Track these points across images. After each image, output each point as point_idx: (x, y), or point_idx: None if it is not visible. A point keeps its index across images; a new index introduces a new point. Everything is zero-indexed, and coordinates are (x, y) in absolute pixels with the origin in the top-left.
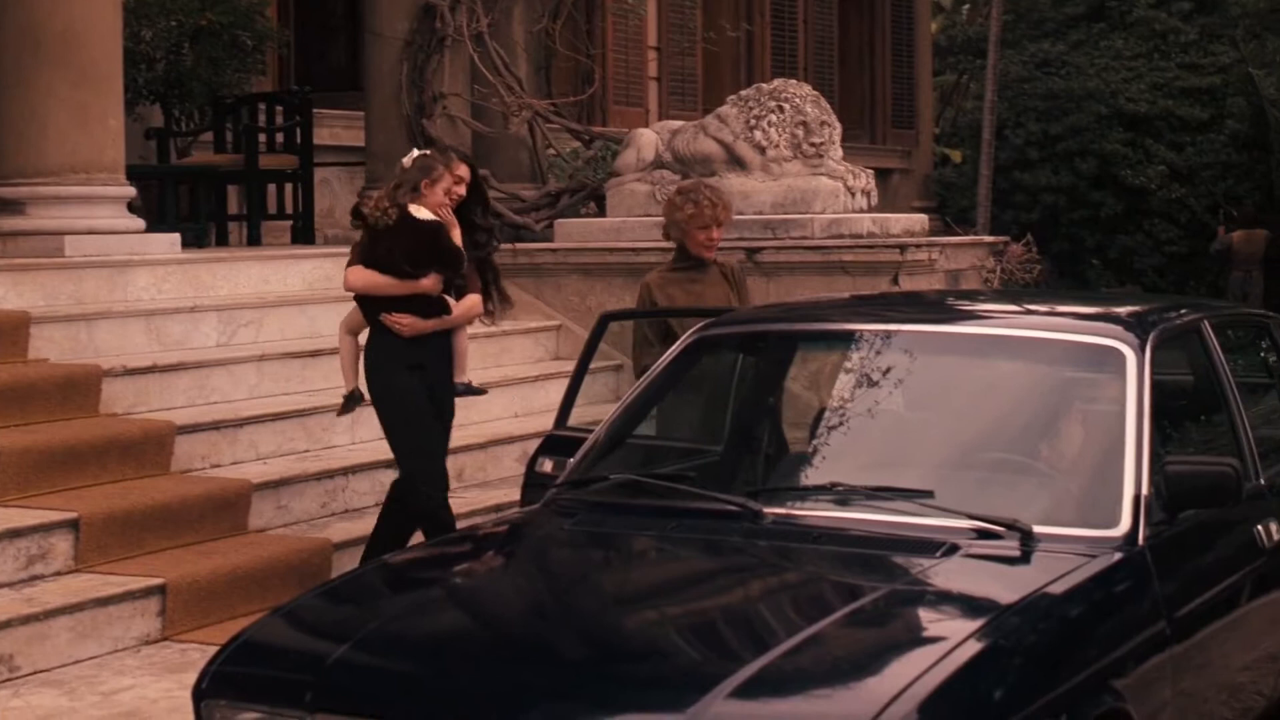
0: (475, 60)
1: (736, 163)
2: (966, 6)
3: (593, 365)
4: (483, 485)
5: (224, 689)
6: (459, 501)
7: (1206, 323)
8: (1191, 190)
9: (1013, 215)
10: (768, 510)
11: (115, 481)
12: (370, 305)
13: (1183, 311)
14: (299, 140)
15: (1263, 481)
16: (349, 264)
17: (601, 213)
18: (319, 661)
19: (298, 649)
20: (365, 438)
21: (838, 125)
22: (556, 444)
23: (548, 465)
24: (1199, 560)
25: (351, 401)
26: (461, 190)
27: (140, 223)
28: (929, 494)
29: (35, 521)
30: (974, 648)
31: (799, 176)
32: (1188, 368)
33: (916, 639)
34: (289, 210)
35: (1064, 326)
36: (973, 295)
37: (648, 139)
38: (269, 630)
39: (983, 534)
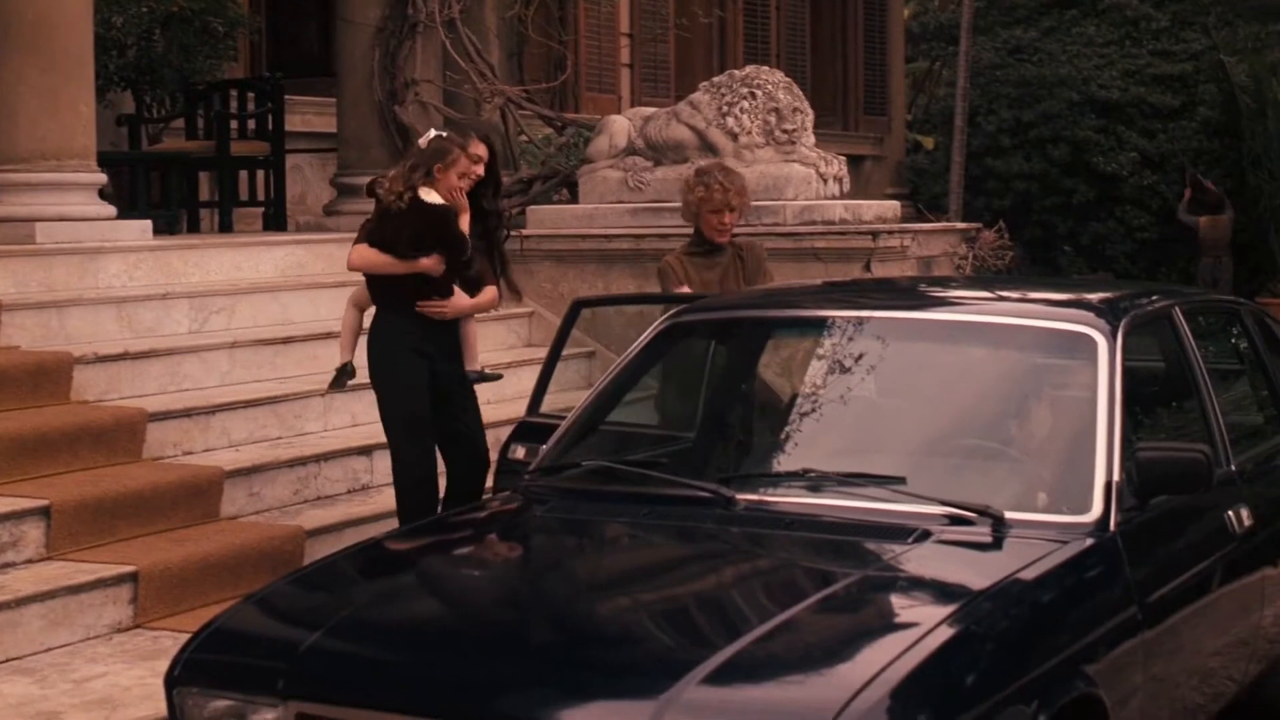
0: (447, 46)
1: (709, 149)
2: None
3: (565, 352)
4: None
5: (196, 676)
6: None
7: (1178, 309)
8: (1163, 177)
9: (985, 202)
10: (740, 496)
11: (87, 469)
12: (377, 285)
13: (1154, 298)
14: (271, 127)
15: (1233, 468)
16: (355, 241)
17: (574, 199)
18: (291, 649)
19: (270, 636)
20: (338, 425)
21: (810, 112)
22: (529, 431)
23: (520, 452)
24: (1170, 546)
25: (343, 376)
26: (480, 170)
27: (111, 209)
28: (901, 480)
29: (6, 509)
30: (946, 633)
31: (771, 163)
32: (1159, 354)
33: (889, 625)
34: (261, 197)
35: (1036, 313)
36: (945, 282)
37: (620, 125)
38: (241, 617)
39: (955, 520)
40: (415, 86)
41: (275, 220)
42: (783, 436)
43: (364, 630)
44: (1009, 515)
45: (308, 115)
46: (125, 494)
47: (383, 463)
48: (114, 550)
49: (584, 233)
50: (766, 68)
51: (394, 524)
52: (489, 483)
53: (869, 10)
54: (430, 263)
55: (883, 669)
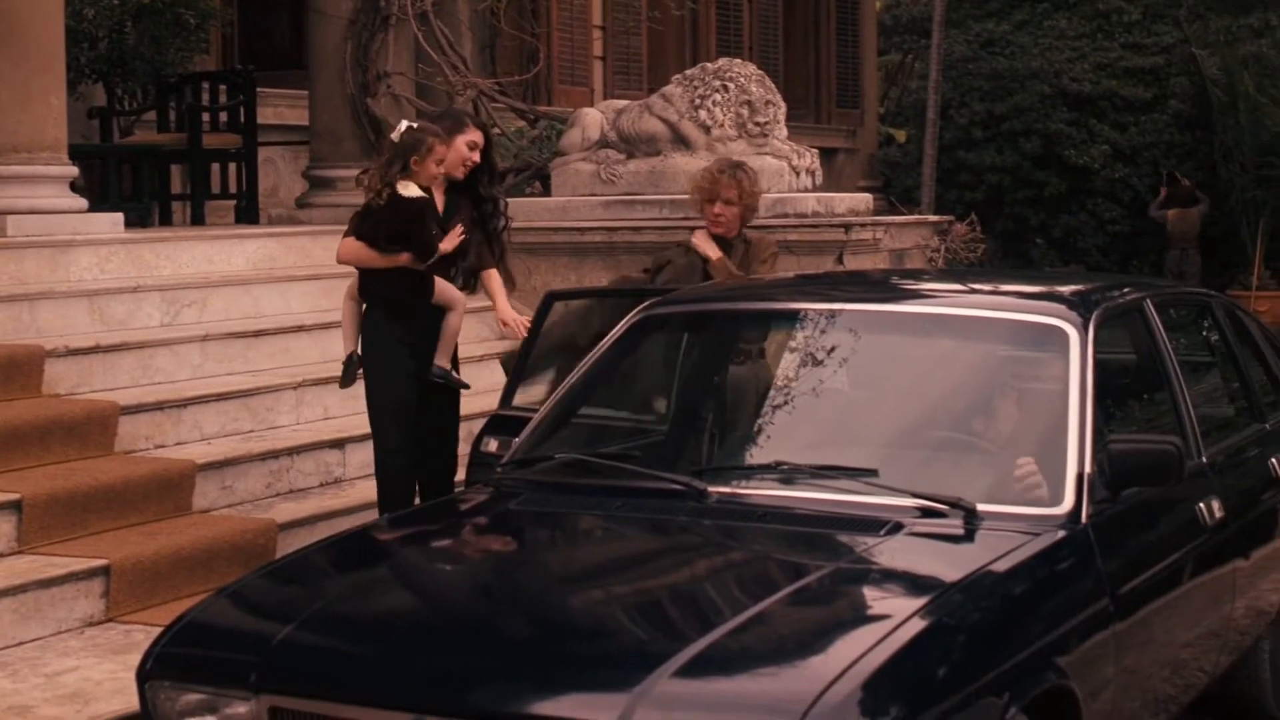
0: (420, 39)
1: (681, 142)
2: None
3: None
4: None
5: (168, 670)
6: None
7: (1149, 302)
8: (1135, 170)
9: (957, 195)
10: (713, 489)
11: (58, 462)
12: (365, 278)
13: (1126, 290)
14: (243, 119)
15: (1205, 460)
16: (344, 234)
17: (547, 192)
18: (264, 642)
19: (242, 629)
20: (309, 418)
21: (782, 105)
22: (502, 423)
23: (493, 445)
24: (1142, 538)
25: (350, 367)
26: (475, 157)
27: (83, 202)
28: (873, 473)
29: None
30: (918, 626)
31: (744, 156)
32: (1131, 346)
33: (861, 617)
34: (233, 190)
35: (1008, 305)
36: (917, 274)
37: (593, 118)
38: (213, 611)
39: (927, 512)
40: (388, 79)
41: (247, 213)
42: (755, 429)
43: (337, 623)
44: (981, 507)
45: (280, 108)
46: (97, 487)
47: (355, 456)
48: (86, 544)
49: (557, 225)
50: (739, 60)
51: (367, 517)
52: (460, 475)
53: (841, 3)
54: (409, 258)
55: (854, 661)
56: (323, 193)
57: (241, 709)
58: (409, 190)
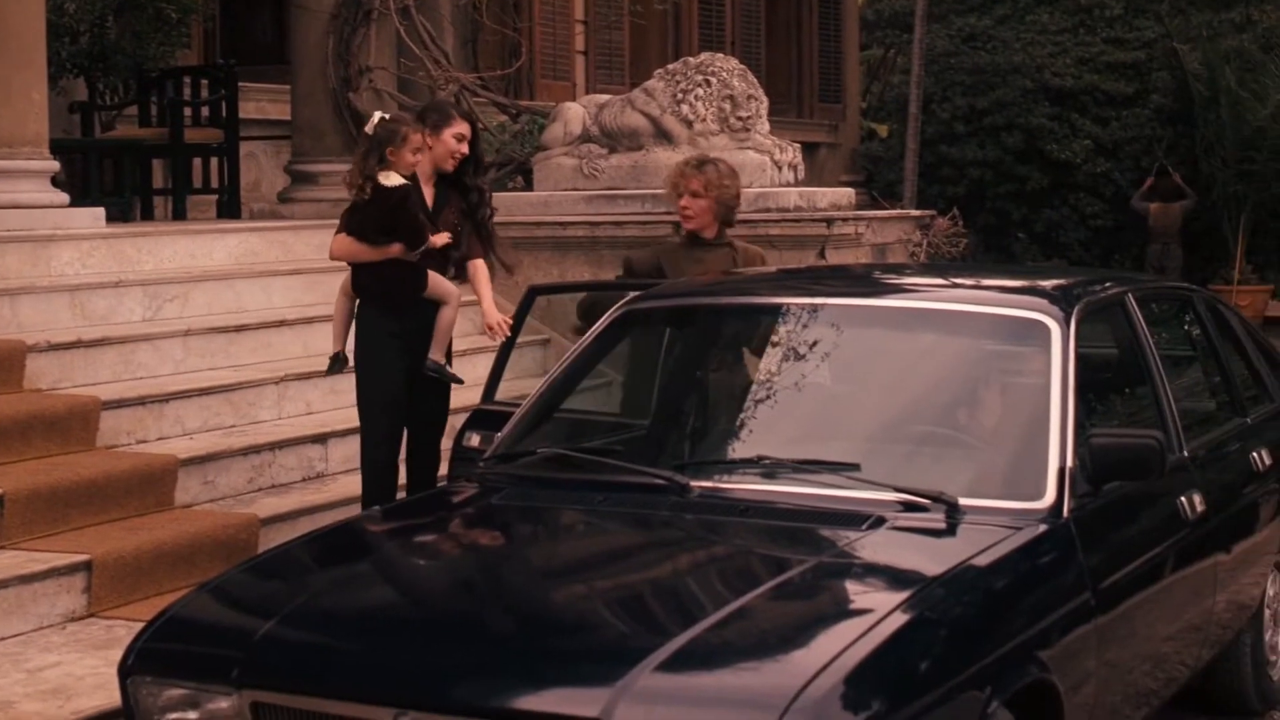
0: (401, 34)
1: (663, 136)
2: None
3: (520, 339)
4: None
5: (150, 665)
6: None
7: (1131, 296)
8: (1117, 165)
9: (939, 189)
10: (695, 484)
11: (40, 457)
12: (357, 273)
13: (1107, 285)
14: (224, 114)
15: (1186, 454)
16: (336, 231)
17: (528, 187)
18: (246, 637)
19: (224, 625)
20: (292, 413)
21: (764, 99)
22: (484, 418)
23: (475, 439)
24: (1123, 532)
25: (336, 363)
26: (464, 149)
27: (64, 197)
28: (855, 467)
29: None
30: (900, 620)
31: (726, 150)
32: (1112, 341)
33: (843, 612)
34: (214, 184)
35: (989, 300)
36: (899, 269)
37: (574, 113)
38: (195, 606)
39: (909, 507)
40: (369, 74)
41: (229, 208)
42: (737, 423)
43: (318, 618)
44: (963, 502)
45: (262, 102)
46: (79, 482)
47: (337, 451)
48: (67, 539)
49: (539, 220)
50: (721, 55)
51: (349, 512)
52: (443, 470)
53: None
54: (399, 249)
55: (836, 656)
56: (305, 187)
57: (223, 704)
58: (390, 180)
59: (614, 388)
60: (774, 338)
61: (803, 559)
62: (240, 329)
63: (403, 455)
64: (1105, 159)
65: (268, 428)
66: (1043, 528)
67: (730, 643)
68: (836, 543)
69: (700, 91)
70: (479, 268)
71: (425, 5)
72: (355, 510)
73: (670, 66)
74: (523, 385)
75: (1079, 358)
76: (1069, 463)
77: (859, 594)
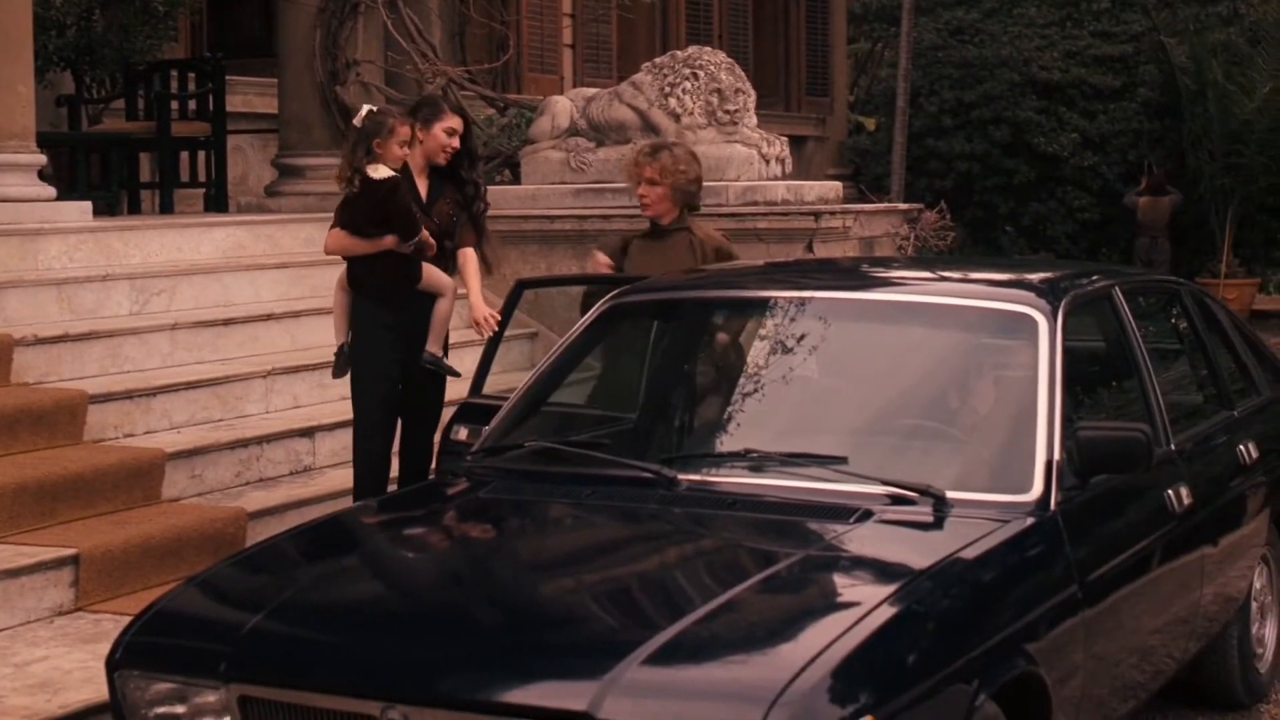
0: (389, 27)
1: (651, 130)
2: None
3: (508, 333)
4: (396, 452)
5: (137, 659)
6: None
7: (1118, 289)
8: (1104, 158)
9: (927, 182)
10: (683, 477)
11: (27, 451)
12: (352, 267)
13: (1095, 278)
14: (211, 107)
15: (1173, 447)
16: (330, 226)
17: (516, 180)
18: (233, 631)
19: (212, 618)
20: (279, 407)
21: (752, 93)
22: (471, 411)
23: (463, 433)
24: (1110, 525)
25: (341, 358)
26: (455, 143)
27: (51, 191)
28: (843, 460)
29: None
30: (887, 613)
31: (713, 144)
32: (1099, 334)
33: (830, 605)
34: (202, 178)
35: (977, 293)
36: (887, 262)
37: (562, 106)
38: (183, 600)
39: (896, 500)
40: (357, 67)
41: (216, 201)
42: (725, 417)
43: (306, 612)
44: (950, 495)
45: (249, 96)
46: (66, 476)
47: (324, 444)
48: (54, 533)
49: (526, 213)
50: (709, 48)
51: (336, 505)
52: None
53: None
54: (393, 240)
55: (824, 649)
56: (292, 181)
57: (211, 698)
58: (378, 172)
59: (602, 381)
60: (761, 331)
61: (790, 552)
62: (227, 323)
63: (396, 448)
64: (1093, 152)
65: (255, 421)
66: (1030, 521)
67: (718, 636)
68: (824, 536)
69: (688, 85)
70: (469, 257)
71: None
72: (343, 504)
73: (658, 60)
74: (510, 379)
75: (1066, 351)
76: (1056, 456)
77: (846, 587)
